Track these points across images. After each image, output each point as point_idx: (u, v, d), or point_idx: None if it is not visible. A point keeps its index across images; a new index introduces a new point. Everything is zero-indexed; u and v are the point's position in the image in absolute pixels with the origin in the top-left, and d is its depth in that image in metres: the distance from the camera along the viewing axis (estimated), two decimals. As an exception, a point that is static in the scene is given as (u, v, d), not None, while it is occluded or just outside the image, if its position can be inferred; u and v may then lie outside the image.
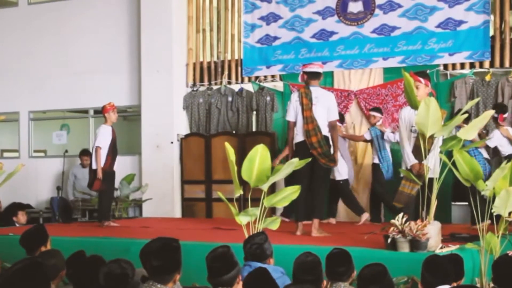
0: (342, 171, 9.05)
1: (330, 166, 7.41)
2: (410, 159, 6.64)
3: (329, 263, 4.60)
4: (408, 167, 6.59)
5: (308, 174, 7.24)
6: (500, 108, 8.57)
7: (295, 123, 7.44)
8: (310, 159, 6.66)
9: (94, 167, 8.89)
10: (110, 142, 8.93)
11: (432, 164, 6.16)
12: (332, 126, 7.44)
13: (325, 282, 4.46)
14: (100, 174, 8.79)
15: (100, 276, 3.75)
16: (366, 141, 9.51)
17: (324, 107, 7.37)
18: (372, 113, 9.40)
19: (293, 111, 7.45)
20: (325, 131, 7.35)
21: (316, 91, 7.42)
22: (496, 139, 8.42)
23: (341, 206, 9.66)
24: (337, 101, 9.90)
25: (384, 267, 4.17)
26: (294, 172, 6.30)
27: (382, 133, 9.18)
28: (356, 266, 4.62)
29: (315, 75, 7.46)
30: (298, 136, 7.41)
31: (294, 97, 7.52)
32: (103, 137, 8.90)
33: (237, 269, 4.14)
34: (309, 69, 7.47)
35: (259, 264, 4.64)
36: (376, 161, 9.16)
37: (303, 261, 4.45)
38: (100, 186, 8.88)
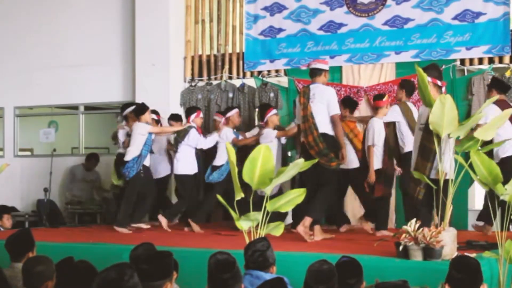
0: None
1: (331, 166, 7.38)
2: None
3: (338, 273, 4.62)
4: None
5: (313, 176, 7.25)
6: None
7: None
8: (316, 160, 6.69)
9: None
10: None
11: (448, 166, 6.18)
12: (333, 122, 7.50)
13: None
14: (373, 177, 8.11)
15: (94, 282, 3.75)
16: None
17: (323, 102, 7.44)
18: None
19: (297, 113, 7.59)
20: (324, 128, 7.41)
21: (315, 88, 7.50)
22: None
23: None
24: (345, 98, 10.01)
25: (406, 283, 4.10)
26: (300, 174, 6.33)
27: None
28: (366, 275, 4.64)
29: (315, 72, 7.57)
30: (301, 138, 7.49)
31: (297, 98, 7.66)
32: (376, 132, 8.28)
33: (241, 279, 4.21)
34: (312, 66, 7.64)
35: (261, 273, 4.65)
36: None
37: (319, 269, 4.47)
38: (383, 190, 8.15)
